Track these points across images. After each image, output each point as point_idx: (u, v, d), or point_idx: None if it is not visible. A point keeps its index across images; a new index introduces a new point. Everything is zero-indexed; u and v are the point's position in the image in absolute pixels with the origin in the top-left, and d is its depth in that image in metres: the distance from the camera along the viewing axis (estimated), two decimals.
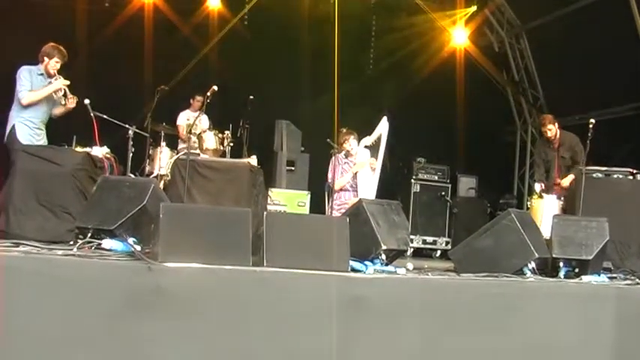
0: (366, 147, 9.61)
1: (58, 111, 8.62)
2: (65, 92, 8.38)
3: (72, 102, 8.41)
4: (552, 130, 10.72)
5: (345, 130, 9.75)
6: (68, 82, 8.40)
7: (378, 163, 9.54)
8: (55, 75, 8.39)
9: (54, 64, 8.39)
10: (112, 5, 13.68)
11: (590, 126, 9.78)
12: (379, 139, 9.55)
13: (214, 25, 14.43)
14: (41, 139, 8.40)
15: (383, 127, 9.51)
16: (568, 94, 14.79)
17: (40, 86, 8.34)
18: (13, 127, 8.21)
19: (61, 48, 8.49)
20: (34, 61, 8.45)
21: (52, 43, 8.51)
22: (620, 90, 13.54)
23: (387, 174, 10.48)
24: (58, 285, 4.90)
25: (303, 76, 14.62)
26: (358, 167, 9.53)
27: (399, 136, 12.91)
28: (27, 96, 8.23)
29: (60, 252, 5.55)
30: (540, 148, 11.29)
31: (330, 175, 9.55)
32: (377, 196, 9.25)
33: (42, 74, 8.40)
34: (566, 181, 10.38)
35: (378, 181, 9.64)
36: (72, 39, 9.08)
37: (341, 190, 9.50)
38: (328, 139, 9.54)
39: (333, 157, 9.51)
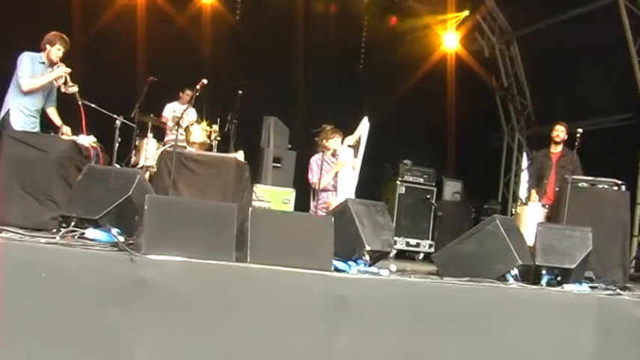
0: (349, 146, 9.61)
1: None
2: (66, 80, 8.33)
3: (72, 89, 8.36)
4: (564, 133, 10.70)
5: (330, 128, 9.70)
6: (69, 70, 8.35)
7: (358, 162, 9.54)
8: (57, 63, 8.35)
9: (56, 51, 8.33)
10: None
11: (578, 135, 9.81)
12: (360, 138, 9.56)
13: (207, 18, 14.42)
14: (35, 127, 8.36)
15: (364, 127, 9.51)
16: (556, 103, 14.84)
17: (41, 74, 8.31)
18: (8, 111, 8.15)
19: (64, 36, 8.44)
20: (30, 48, 8.41)
21: (54, 32, 8.46)
22: (609, 101, 13.60)
23: (371, 174, 10.43)
24: (40, 273, 4.86)
25: (294, 73, 14.62)
26: (339, 167, 9.50)
27: (387, 136, 12.93)
28: (28, 82, 8.19)
29: (43, 240, 5.51)
30: (539, 156, 11.27)
31: (310, 176, 9.54)
32: (362, 197, 9.23)
33: (43, 62, 8.36)
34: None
35: (362, 180, 9.65)
36: (65, 27, 9.01)
37: (322, 189, 9.47)
38: (313, 131, 9.55)
39: (320, 155, 9.48)
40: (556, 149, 10.79)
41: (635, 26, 13.21)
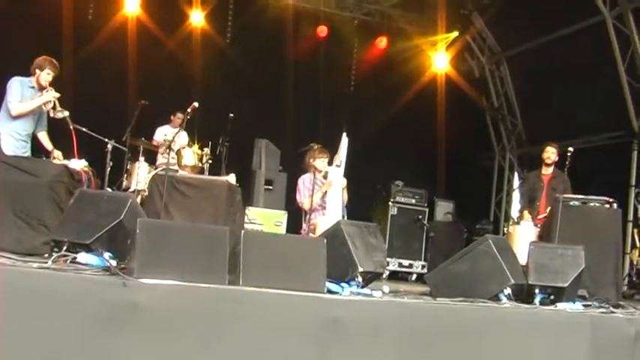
0: (337, 166, 9.60)
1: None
2: (55, 104, 8.33)
3: (60, 115, 8.35)
4: (554, 155, 10.72)
5: (317, 148, 9.68)
6: (58, 95, 8.36)
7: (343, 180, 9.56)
8: (46, 87, 8.36)
9: (45, 75, 8.35)
10: (95, 18, 13.65)
11: (569, 154, 9.85)
12: (341, 156, 9.55)
13: (197, 41, 14.47)
14: (26, 152, 8.38)
15: (344, 144, 9.51)
16: (546, 122, 14.90)
17: (30, 98, 8.32)
18: None
19: (53, 60, 8.47)
20: (20, 72, 8.43)
21: (44, 56, 8.48)
22: (599, 119, 13.66)
23: (363, 195, 10.39)
24: (32, 298, 4.84)
25: (284, 95, 14.65)
26: (327, 187, 9.49)
27: (379, 158, 12.96)
28: (16, 107, 8.21)
29: (35, 265, 5.50)
30: (530, 177, 11.30)
31: (298, 197, 9.56)
32: (353, 218, 9.22)
33: (33, 87, 8.39)
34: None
35: (353, 202, 9.64)
36: (55, 51, 9.04)
37: (310, 209, 9.46)
38: (301, 149, 9.56)
39: (301, 179, 9.50)
40: (547, 171, 10.80)
41: (624, 44, 13.29)
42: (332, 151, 9.73)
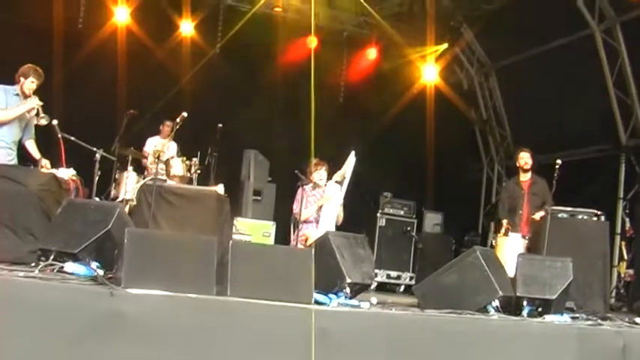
0: (336, 182, 9.59)
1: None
2: (38, 112, 8.32)
3: (43, 121, 8.34)
4: (530, 159, 10.70)
5: (315, 161, 9.71)
6: (42, 103, 8.35)
7: (341, 196, 9.53)
8: (30, 95, 8.35)
9: (29, 84, 8.35)
10: (85, 27, 13.62)
11: (557, 166, 9.85)
12: (345, 173, 9.55)
13: (187, 51, 14.44)
14: (12, 159, 8.34)
15: (350, 162, 9.51)
16: (535, 134, 14.92)
17: (15, 106, 8.30)
18: None
19: (38, 69, 8.46)
20: (11, 81, 8.41)
21: (28, 64, 8.48)
22: (586, 132, 13.70)
23: (351, 206, 10.38)
24: (18, 307, 4.81)
25: (274, 106, 14.64)
26: (324, 201, 9.49)
27: (367, 169, 12.96)
28: (0, 114, 8.19)
29: (21, 274, 5.47)
30: (509, 185, 11.28)
31: (295, 207, 9.52)
32: (342, 229, 9.22)
33: (17, 94, 8.37)
34: (538, 215, 10.28)
35: (344, 213, 9.63)
36: (45, 60, 9.03)
37: (304, 221, 9.46)
38: (297, 171, 9.52)
39: (300, 189, 9.48)
40: (525, 177, 10.76)
41: (612, 58, 13.34)
42: (326, 161, 9.74)
